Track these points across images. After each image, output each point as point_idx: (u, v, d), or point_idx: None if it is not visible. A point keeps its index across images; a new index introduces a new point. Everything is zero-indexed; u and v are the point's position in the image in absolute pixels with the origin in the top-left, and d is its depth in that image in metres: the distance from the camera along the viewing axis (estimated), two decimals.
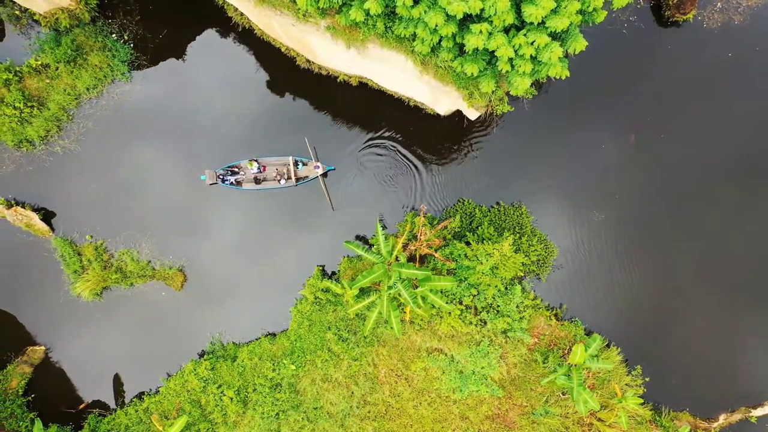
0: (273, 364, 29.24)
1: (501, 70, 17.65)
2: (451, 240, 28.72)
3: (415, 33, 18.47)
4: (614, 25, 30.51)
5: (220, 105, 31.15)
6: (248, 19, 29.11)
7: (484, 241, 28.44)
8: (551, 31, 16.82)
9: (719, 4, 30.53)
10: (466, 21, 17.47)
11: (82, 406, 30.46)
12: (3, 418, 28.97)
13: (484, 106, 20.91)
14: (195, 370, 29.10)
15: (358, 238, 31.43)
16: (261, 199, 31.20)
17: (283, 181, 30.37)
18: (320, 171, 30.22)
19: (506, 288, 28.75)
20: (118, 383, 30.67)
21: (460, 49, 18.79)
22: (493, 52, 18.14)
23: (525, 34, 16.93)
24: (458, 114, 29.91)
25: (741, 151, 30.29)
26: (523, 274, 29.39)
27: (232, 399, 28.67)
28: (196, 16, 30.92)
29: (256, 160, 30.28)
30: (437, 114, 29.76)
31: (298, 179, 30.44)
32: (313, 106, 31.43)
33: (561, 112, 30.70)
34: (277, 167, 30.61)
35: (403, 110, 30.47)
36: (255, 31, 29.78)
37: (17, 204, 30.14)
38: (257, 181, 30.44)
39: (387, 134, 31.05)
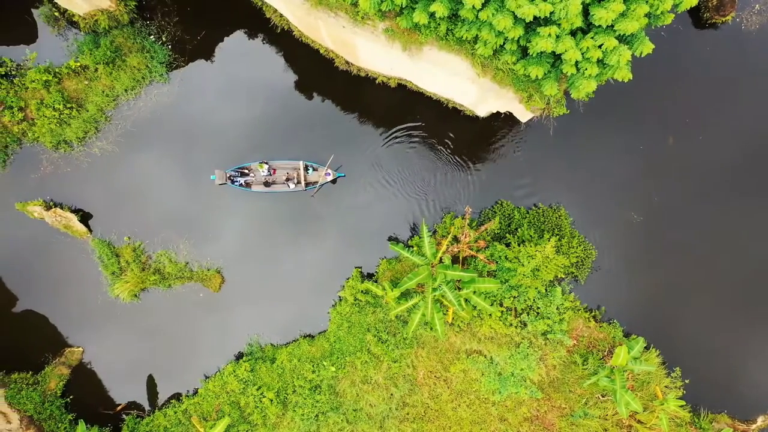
0: (312, 366, 29.24)
1: (566, 72, 17.65)
2: (490, 242, 28.70)
3: (477, 35, 18.46)
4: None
5: (250, 106, 31.06)
6: (288, 20, 29.09)
7: (524, 243, 28.43)
8: (619, 34, 16.82)
9: (757, 6, 30.51)
10: (532, 24, 17.47)
11: (119, 408, 30.49)
12: (42, 419, 29.00)
13: (540, 108, 20.92)
14: (234, 371, 29.10)
15: (390, 239, 31.42)
16: (292, 201, 31.13)
17: (292, 185, 30.22)
18: (330, 177, 30.20)
19: (546, 290, 28.73)
20: (155, 385, 30.69)
21: (523, 52, 18.78)
22: (557, 54, 18.16)
23: (593, 37, 16.94)
24: (496, 116, 29.98)
25: None
26: (563, 276, 29.37)
27: (272, 401, 28.68)
28: (233, 17, 30.86)
29: (266, 163, 30.19)
30: (476, 116, 29.78)
31: (307, 184, 30.35)
32: (345, 108, 31.40)
33: (598, 114, 30.62)
34: (287, 171, 30.51)
35: (440, 112, 30.48)
36: (294, 33, 29.76)
37: (55, 205, 30.15)
38: (266, 183, 30.34)
39: (422, 135, 31.08)
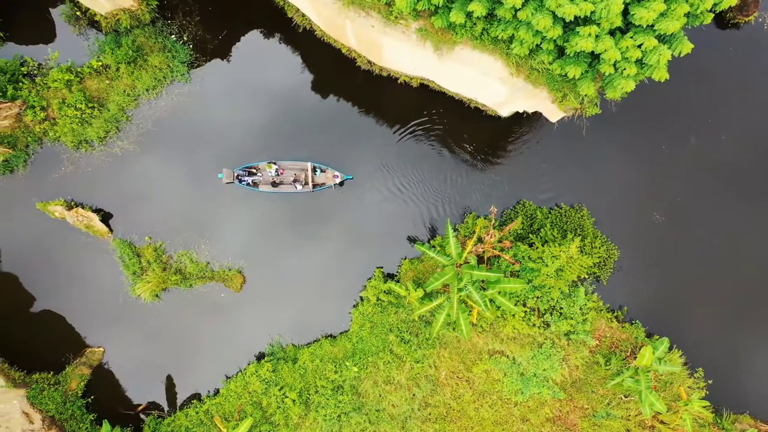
0: (335, 366, 29.17)
1: (603, 72, 17.59)
2: (513, 242, 28.62)
3: (513, 35, 18.41)
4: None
5: (267, 105, 31.00)
6: (310, 20, 29.02)
7: (548, 244, 28.38)
8: (658, 34, 16.76)
9: None
10: (570, 23, 17.41)
11: (139, 408, 30.42)
12: (64, 419, 28.92)
13: (573, 108, 20.86)
14: (257, 371, 29.03)
15: (409, 239, 31.36)
16: (311, 201, 31.03)
17: (299, 187, 30.14)
18: (338, 180, 30.16)
19: (569, 290, 28.67)
20: (175, 385, 30.61)
21: (559, 52, 18.71)
22: (594, 54, 18.10)
23: (632, 37, 16.88)
24: (518, 116, 29.94)
25: None
26: (585, 276, 29.31)
27: (294, 401, 28.60)
28: (255, 16, 30.85)
29: (274, 163, 30.12)
30: (498, 116, 29.73)
31: (314, 185, 30.27)
32: (363, 107, 31.40)
33: (619, 114, 30.52)
34: (295, 172, 30.40)
35: (461, 111, 30.43)
36: (316, 32, 29.70)
37: (76, 205, 30.08)
38: (274, 184, 30.26)
39: (442, 134, 31.05)
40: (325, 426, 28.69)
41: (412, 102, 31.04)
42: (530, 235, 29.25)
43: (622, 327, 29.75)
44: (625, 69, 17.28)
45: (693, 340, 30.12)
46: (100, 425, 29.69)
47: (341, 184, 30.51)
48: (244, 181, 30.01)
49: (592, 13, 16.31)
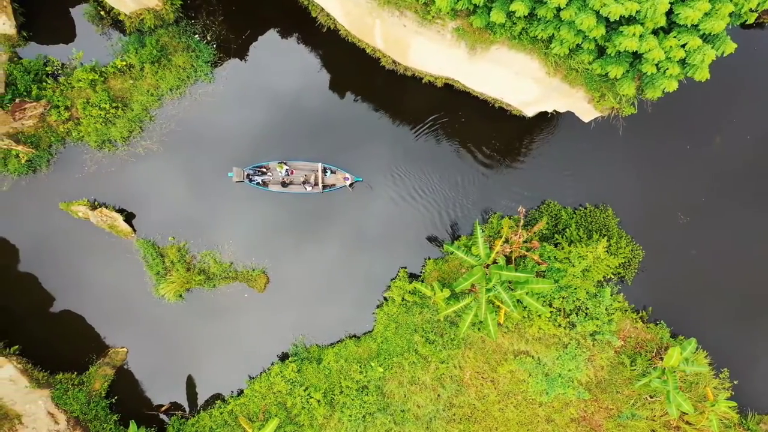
0: (360, 367, 29.11)
1: (645, 72, 17.52)
2: (540, 242, 28.54)
3: (553, 35, 18.34)
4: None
5: (288, 105, 30.90)
6: (334, 19, 28.93)
7: (573, 244, 28.31)
8: (702, 34, 16.70)
9: None
10: (612, 23, 17.35)
11: (163, 409, 30.37)
12: (88, 420, 28.90)
13: (610, 108, 20.79)
14: (281, 372, 28.98)
15: (429, 239, 31.29)
16: (332, 202, 30.94)
17: (309, 188, 30.04)
18: (349, 182, 30.12)
19: (595, 291, 28.60)
20: (199, 385, 30.59)
21: (599, 51, 18.64)
22: (635, 53, 18.04)
23: (676, 36, 16.81)
24: (543, 116, 29.87)
25: None
26: (611, 276, 29.25)
27: (319, 401, 28.56)
28: (278, 16, 30.75)
29: (285, 163, 30.02)
30: (522, 116, 29.65)
31: (324, 186, 30.19)
32: (385, 107, 31.31)
33: (644, 114, 30.43)
34: (305, 172, 30.33)
35: (485, 111, 30.34)
36: (340, 32, 29.60)
37: (100, 205, 30.01)
38: (284, 184, 30.19)
39: (464, 134, 31.00)
40: (350, 426, 28.64)
41: (434, 101, 30.95)
42: (555, 235, 29.19)
43: (647, 327, 29.68)
44: (668, 69, 17.22)
45: (717, 341, 30.03)
46: (124, 425, 29.72)
47: (351, 185, 30.38)
48: (254, 180, 29.94)
49: (637, 12, 16.24)
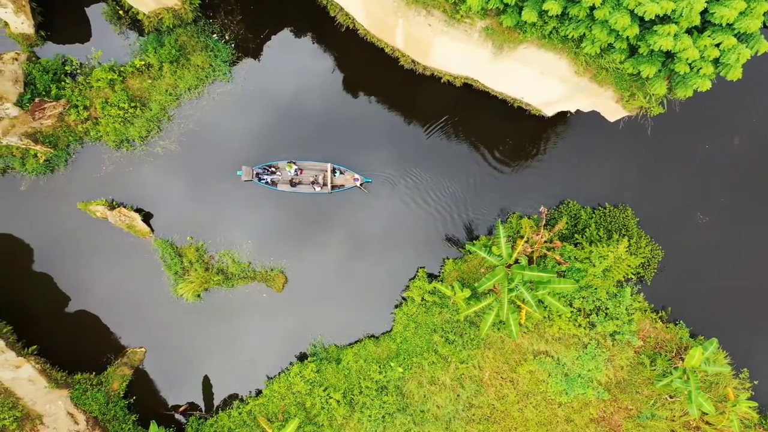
0: (379, 367, 29.05)
1: (679, 71, 17.47)
2: (561, 242, 28.49)
3: (584, 34, 18.29)
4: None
5: (304, 105, 30.87)
6: (353, 18, 28.87)
7: (593, 243, 28.26)
8: (737, 33, 16.65)
9: None
10: (646, 22, 17.30)
11: (181, 409, 30.30)
12: (107, 420, 28.85)
13: (638, 107, 20.75)
14: (301, 372, 28.92)
15: (446, 239, 31.24)
16: (349, 203, 30.89)
17: (318, 188, 30.02)
18: (358, 182, 30.11)
19: (615, 291, 28.54)
20: (217, 386, 30.53)
21: (630, 50, 18.58)
22: (667, 53, 17.98)
23: (710, 36, 16.76)
24: (562, 115, 29.84)
25: None
26: (631, 276, 29.20)
27: (338, 402, 28.49)
28: (297, 15, 30.72)
29: (294, 163, 29.99)
30: (541, 115, 29.60)
31: (333, 187, 30.15)
32: (401, 106, 31.27)
33: (662, 114, 30.44)
34: (314, 172, 30.29)
35: (503, 111, 30.28)
36: (358, 31, 29.53)
37: (118, 205, 29.95)
38: (292, 183, 30.16)
39: (482, 133, 30.96)
40: (369, 427, 28.57)
41: (451, 101, 30.91)
42: (575, 235, 29.13)
43: (666, 327, 29.62)
44: (701, 68, 17.17)
45: (737, 341, 29.96)
46: (142, 426, 29.66)
47: (361, 185, 30.32)
48: (263, 179, 29.89)
49: (672, 11, 16.19)
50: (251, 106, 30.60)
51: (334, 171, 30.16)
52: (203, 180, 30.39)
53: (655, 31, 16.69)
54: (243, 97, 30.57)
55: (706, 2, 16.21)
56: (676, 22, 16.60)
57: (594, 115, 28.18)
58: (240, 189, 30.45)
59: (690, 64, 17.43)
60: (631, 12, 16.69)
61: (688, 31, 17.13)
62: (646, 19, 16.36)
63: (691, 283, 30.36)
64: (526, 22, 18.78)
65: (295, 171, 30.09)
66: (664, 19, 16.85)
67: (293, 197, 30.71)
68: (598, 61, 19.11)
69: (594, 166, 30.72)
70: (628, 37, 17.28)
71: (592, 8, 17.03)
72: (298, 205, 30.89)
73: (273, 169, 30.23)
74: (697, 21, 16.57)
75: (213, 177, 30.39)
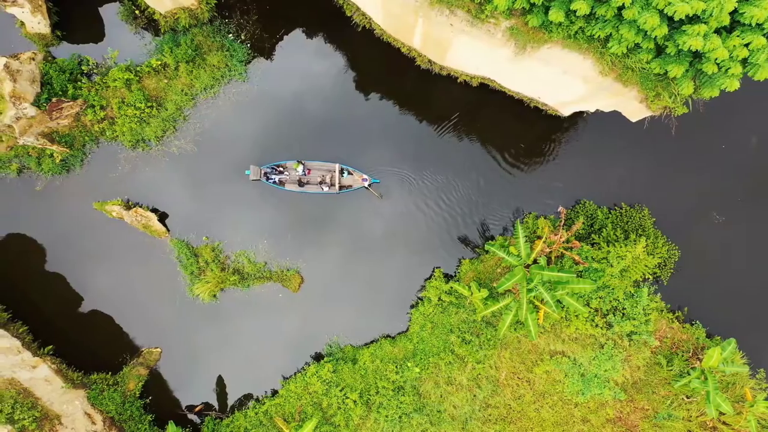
0: (396, 367, 29.02)
1: (706, 71, 17.44)
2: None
3: (611, 33, 18.26)
4: None
5: (318, 105, 30.84)
6: (370, 18, 28.84)
7: (610, 244, 28.23)
8: (766, 33, 16.62)
9: None
10: (674, 22, 17.27)
11: (197, 409, 30.29)
12: (123, 420, 28.83)
13: (662, 107, 20.72)
14: (317, 372, 28.89)
15: (460, 239, 31.22)
16: (370, 204, 30.87)
17: (325, 188, 30.04)
18: (366, 183, 30.13)
19: (632, 291, 28.51)
20: (232, 385, 30.52)
21: (657, 50, 18.55)
22: (694, 52, 17.96)
23: (739, 35, 16.74)
24: (578, 115, 29.83)
25: None
26: (648, 276, 29.17)
27: (355, 402, 28.46)
28: (313, 15, 30.65)
29: (302, 163, 29.97)
30: (558, 115, 29.58)
31: (341, 187, 30.15)
32: (415, 106, 31.23)
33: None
34: (322, 173, 30.30)
35: (518, 111, 30.27)
36: (375, 31, 29.50)
37: (134, 205, 29.93)
38: (300, 183, 30.17)
39: (496, 133, 30.95)
40: (386, 427, 28.55)
41: (466, 101, 30.88)
42: (592, 235, 29.10)
43: (683, 327, 29.59)
44: (729, 68, 17.14)
45: (752, 341, 29.95)
46: (158, 426, 29.64)
47: (369, 186, 30.30)
48: (271, 179, 29.87)
49: (702, 11, 16.17)
50: (266, 105, 30.57)
51: (342, 171, 30.16)
52: (218, 180, 30.37)
53: (684, 31, 16.67)
54: (258, 96, 30.55)
55: (736, 2, 16.17)
56: (705, 22, 16.57)
57: (609, 115, 28.20)
58: (255, 189, 30.46)
59: (718, 64, 17.41)
60: (660, 12, 16.66)
61: (717, 31, 17.10)
62: (676, 19, 16.34)
63: (707, 283, 30.34)
64: (552, 22, 18.77)
65: (303, 171, 30.07)
66: (692, 19, 16.83)
67: (306, 198, 30.70)
68: (624, 60, 19.09)
69: (609, 166, 30.68)
70: (655, 36, 17.24)
71: (621, 8, 17.02)
72: (312, 205, 30.87)
73: (281, 169, 30.22)
74: (727, 21, 16.55)
75: (228, 177, 30.36)
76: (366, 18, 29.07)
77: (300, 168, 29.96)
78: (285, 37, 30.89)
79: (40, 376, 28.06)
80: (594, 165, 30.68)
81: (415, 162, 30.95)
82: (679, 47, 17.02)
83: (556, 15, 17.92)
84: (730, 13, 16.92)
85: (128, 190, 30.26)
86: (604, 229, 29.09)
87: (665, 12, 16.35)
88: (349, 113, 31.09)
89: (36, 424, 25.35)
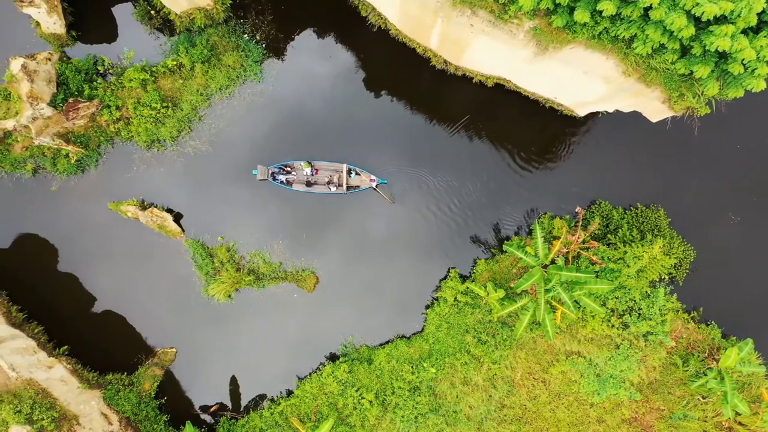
0: (412, 367, 29.02)
1: (732, 72, 17.44)
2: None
3: (635, 34, 18.25)
4: None
5: (332, 106, 30.84)
6: (386, 19, 28.83)
7: (627, 244, 28.23)
8: None
9: None
10: (701, 22, 17.26)
11: (212, 409, 30.28)
12: (139, 420, 28.81)
13: (684, 108, 20.72)
14: (333, 372, 28.88)
15: (472, 239, 31.20)
16: (382, 205, 30.82)
17: (333, 188, 30.02)
18: (374, 183, 30.09)
19: (649, 291, 28.50)
20: (246, 386, 30.50)
21: (682, 51, 18.55)
22: (720, 53, 17.95)
23: (767, 36, 16.72)
24: (593, 116, 29.83)
25: None
26: (664, 277, 29.16)
27: (371, 402, 28.45)
28: (328, 16, 30.62)
29: (310, 163, 29.98)
30: (573, 116, 29.57)
31: (348, 187, 30.13)
32: (429, 107, 31.21)
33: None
34: (330, 173, 30.29)
35: (533, 111, 30.26)
36: (390, 32, 29.48)
37: (150, 205, 29.92)
38: (308, 183, 30.17)
39: (510, 133, 30.95)
40: (402, 427, 28.54)
41: (480, 101, 30.85)
42: (608, 235, 29.09)
43: (699, 328, 29.59)
44: (756, 68, 17.14)
45: (767, 342, 29.95)
46: (173, 426, 29.64)
47: (377, 186, 30.27)
48: (279, 179, 29.85)
49: (730, 12, 16.16)
50: (280, 105, 30.54)
51: (349, 172, 30.14)
52: (233, 180, 30.36)
53: (712, 31, 16.66)
54: (272, 96, 30.53)
55: (765, 2, 16.17)
56: (732, 23, 16.57)
57: (623, 115, 28.21)
58: (268, 189, 30.43)
59: (744, 65, 17.40)
60: (687, 12, 16.65)
61: (743, 32, 17.09)
62: (703, 20, 16.33)
63: (723, 284, 30.31)
64: (576, 23, 18.76)
65: (311, 171, 30.06)
66: (719, 20, 16.82)
67: (317, 198, 30.67)
68: (648, 61, 19.08)
69: (624, 166, 30.64)
70: (681, 37, 17.23)
71: (647, 9, 17.01)
72: (323, 206, 30.84)
73: (288, 169, 30.21)
74: (754, 21, 16.54)
75: (243, 177, 30.33)
76: (382, 18, 29.05)
77: (309, 168, 29.96)
78: (299, 37, 30.88)
79: (56, 376, 28.05)
80: (609, 165, 30.67)
81: (428, 163, 30.91)
82: (706, 48, 17.02)
83: (581, 15, 17.93)
84: (758, 14, 16.91)
85: (143, 190, 30.24)
86: (620, 230, 29.08)
87: (692, 12, 16.34)
88: (362, 114, 31.08)
89: (54, 425, 25.35)
